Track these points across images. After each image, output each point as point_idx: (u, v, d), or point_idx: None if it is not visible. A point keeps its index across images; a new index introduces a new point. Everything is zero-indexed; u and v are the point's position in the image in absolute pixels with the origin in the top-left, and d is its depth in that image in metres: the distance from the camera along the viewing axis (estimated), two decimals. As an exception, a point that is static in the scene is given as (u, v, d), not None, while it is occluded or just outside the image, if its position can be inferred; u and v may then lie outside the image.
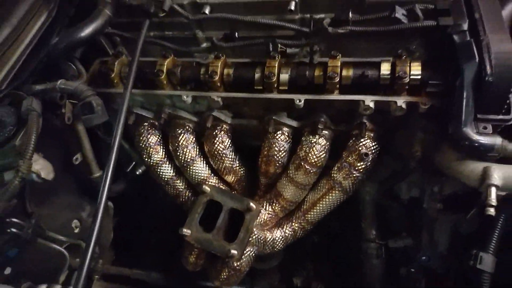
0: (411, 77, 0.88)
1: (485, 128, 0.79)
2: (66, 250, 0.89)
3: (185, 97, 1.01)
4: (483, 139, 0.76)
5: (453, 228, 1.02)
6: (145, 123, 1.12)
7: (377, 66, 0.91)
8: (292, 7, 0.98)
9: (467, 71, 0.79)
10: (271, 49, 1.00)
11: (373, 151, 0.95)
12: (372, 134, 0.96)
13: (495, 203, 0.75)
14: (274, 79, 0.95)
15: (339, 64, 0.92)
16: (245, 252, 1.00)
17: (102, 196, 0.75)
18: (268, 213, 1.06)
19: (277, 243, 1.06)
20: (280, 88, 0.97)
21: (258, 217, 1.03)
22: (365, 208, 1.11)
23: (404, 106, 0.88)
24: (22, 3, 0.86)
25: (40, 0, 0.89)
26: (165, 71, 1.03)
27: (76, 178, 1.12)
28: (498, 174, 0.75)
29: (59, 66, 0.93)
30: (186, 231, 0.95)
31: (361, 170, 0.96)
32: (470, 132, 0.77)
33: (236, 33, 1.06)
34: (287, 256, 1.28)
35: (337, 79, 0.91)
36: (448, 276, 1.03)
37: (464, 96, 0.78)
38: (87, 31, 0.89)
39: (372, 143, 0.95)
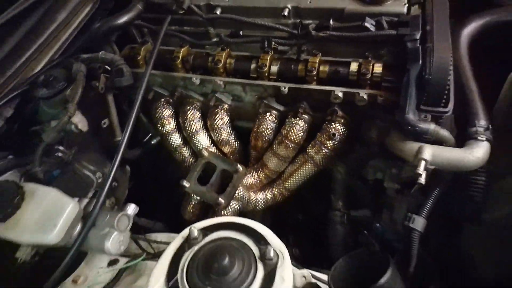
0: (373, 74, 1.09)
1: (425, 117, 0.99)
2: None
3: (194, 79, 1.25)
4: (420, 124, 0.96)
5: (409, 209, 1.21)
6: (162, 99, 1.36)
7: (348, 64, 1.13)
8: (286, 13, 1.20)
9: (412, 71, 0.99)
10: (266, 45, 1.22)
11: (341, 133, 1.16)
12: (342, 120, 1.17)
13: (424, 173, 0.94)
14: (266, 69, 1.17)
15: (317, 61, 1.13)
16: (231, 204, 1.22)
17: (119, 152, 0.98)
18: (254, 179, 1.28)
19: (259, 203, 1.28)
20: (270, 77, 1.19)
21: (246, 181, 1.26)
22: (336, 185, 1.31)
23: (365, 97, 1.09)
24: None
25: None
26: (180, 57, 1.27)
27: (102, 139, 1.36)
28: (428, 151, 0.95)
29: (100, 45, 1.18)
30: (185, 183, 1.18)
31: (329, 148, 1.16)
32: (411, 118, 0.97)
33: (240, 32, 1.30)
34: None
35: (315, 73, 1.13)
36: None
37: (408, 90, 0.99)
38: (123, 19, 1.14)
39: (340, 126, 1.16)
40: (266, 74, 1.19)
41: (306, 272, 0.88)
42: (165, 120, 1.35)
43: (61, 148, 0.95)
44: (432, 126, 0.96)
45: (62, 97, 0.97)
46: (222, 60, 1.22)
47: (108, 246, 0.83)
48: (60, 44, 1.09)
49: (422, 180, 0.95)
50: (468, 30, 1.20)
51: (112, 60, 1.07)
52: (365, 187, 1.30)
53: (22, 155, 0.95)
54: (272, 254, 0.75)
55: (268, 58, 1.18)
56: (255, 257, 0.76)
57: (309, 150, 1.20)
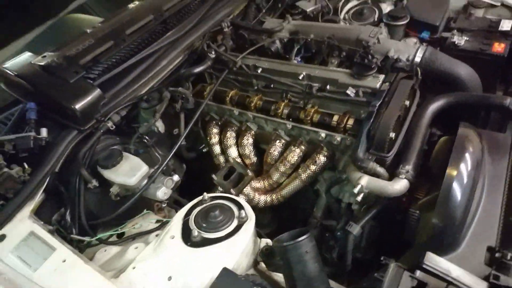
0: (346, 125, 1.58)
1: (370, 157, 1.45)
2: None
3: (235, 111, 1.86)
4: (364, 163, 1.42)
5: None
6: (213, 121, 1.99)
7: (332, 116, 1.63)
8: (301, 77, 1.77)
9: (364, 125, 1.46)
10: (284, 96, 1.80)
11: (322, 161, 1.65)
12: (324, 153, 1.66)
13: (359, 195, 1.39)
14: (280, 111, 1.73)
15: (312, 111, 1.66)
16: (239, 197, 1.76)
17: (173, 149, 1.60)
18: (261, 185, 1.81)
19: (260, 202, 1.79)
20: (282, 117, 1.75)
21: (254, 184, 1.80)
22: (319, 199, 1.78)
23: (338, 139, 1.57)
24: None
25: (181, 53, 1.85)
26: (229, 96, 1.90)
27: (172, 141, 2.04)
28: (365, 179, 1.40)
29: (181, 82, 1.87)
30: (215, 176, 1.76)
31: (312, 170, 1.66)
32: (360, 157, 1.43)
33: (272, 85, 1.89)
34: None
35: (309, 118, 1.65)
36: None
37: (361, 138, 1.45)
38: (197, 69, 1.81)
39: (322, 157, 1.65)
40: (280, 114, 1.75)
41: (268, 240, 1.38)
42: (212, 135, 1.98)
43: (147, 138, 1.61)
44: (370, 164, 1.41)
45: (153, 109, 1.64)
46: (254, 101, 1.81)
47: (158, 194, 1.44)
48: (159, 78, 1.79)
49: (358, 200, 1.41)
50: (433, 105, 1.61)
51: (185, 93, 1.73)
52: (336, 204, 1.74)
53: (126, 138, 1.63)
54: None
55: (283, 104, 1.74)
56: (234, 215, 1.30)
57: (299, 170, 1.71)
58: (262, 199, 1.80)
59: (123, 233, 1.60)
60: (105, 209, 1.53)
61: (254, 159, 1.88)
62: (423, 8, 2.05)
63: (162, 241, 1.27)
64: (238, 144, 1.89)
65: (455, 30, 1.88)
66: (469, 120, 1.54)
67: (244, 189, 1.76)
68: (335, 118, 1.61)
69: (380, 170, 1.41)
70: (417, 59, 1.72)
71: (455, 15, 2.14)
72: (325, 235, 1.66)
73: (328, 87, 1.69)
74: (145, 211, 1.77)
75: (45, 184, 1.40)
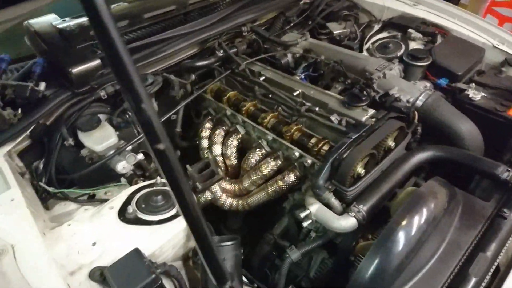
0: (321, 149, 1.52)
1: (330, 187, 1.38)
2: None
3: (227, 111, 1.88)
4: (320, 190, 1.36)
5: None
6: (210, 116, 2.03)
7: (311, 138, 1.58)
8: (295, 94, 1.74)
9: (332, 153, 1.40)
10: (275, 108, 1.78)
11: (290, 180, 1.61)
12: (296, 172, 1.62)
13: (306, 221, 1.34)
14: (266, 121, 1.72)
15: (294, 128, 1.62)
16: (206, 194, 1.77)
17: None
18: (231, 187, 1.81)
19: (225, 204, 1.78)
20: (268, 126, 1.73)
21: (225, 186, 1.79)
22: (281, 218, 1.72)
23: (309, 161, 1.52)
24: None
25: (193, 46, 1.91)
26: (227, 96, 1.92)
27: (169, 126, 2.11)
28: (315, 206, 1.34)
29: (183, 73, 1.94)
30: (189, 167, 1.79)
31: (279, 186, 1.62)
32: (319, 183, 1.37)
33: (270, 95, 1.88)
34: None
35: (289, 134, 1.62)
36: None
37: (325, 166, 1.39)
38: (200, 63, 1.86)
39: (292, 176, 1.61)
40: (265, 124, 1.73)
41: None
42: (204, 129, 2.01)
43: (129, 114, 1.69)
44: (326, 193, 1.35)
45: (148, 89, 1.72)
46: (247, 106, 1.81)
47: (117, 166, 1.50)
48: (164, 65, 1.87)
49: (305, 224, 1.35)
50: (420, 155, 1.50)
51: (173, 80, 1.78)
52: (296, 226, 1.68)
53: (115, 111, 1.73)
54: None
55: (270, 115, 1.72)
56: (175, 205, 1.31)
57: (268, 183, 1.68)
58: (228, 201, 1.79)
59: (94, 196, 1.69)
60: (77, 168, 1.62)
61: (235, 161, 1.88)
62: (450, 55, 1.92)
63: (101, 209, 1.32)
64: (223, 143, 1.91)
65: (473, 84, 1.73)
66: (461, 182, 1.42)
67: (213, 188, 1.77)
68: (313, 140, 1.56)
69: (335, 202, 1.34)
70: (419, 102, 1.62)
71: (487, 69, 1.98)
72: (273, 253, 1.61)
73: (317, 109, 1.65)
74: (122, 181, 1.86)
75: (29, 131, 1.53)
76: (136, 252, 1.10)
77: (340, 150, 1.39)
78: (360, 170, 1.37)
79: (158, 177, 1.41)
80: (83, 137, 1.49)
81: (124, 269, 1.05)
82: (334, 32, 2.22)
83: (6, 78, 1.64)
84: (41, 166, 1.59)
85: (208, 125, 2.01)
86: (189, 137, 2.14)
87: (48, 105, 1.56)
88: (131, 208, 1.27)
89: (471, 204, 1.34)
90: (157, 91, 1.87)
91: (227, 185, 1.81)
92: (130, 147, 1.58)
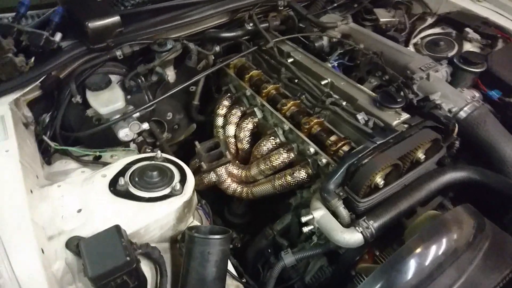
0: (339, 150, 1.36)
1: (340, 194, 1.23)
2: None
3: (247, 91, 1.74)
4: (330, 195, 1.22)
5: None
6: (229, 93, 1.90)
7: (330, 135, 1.42)
8: (323, 83, 1.58)
9: (350, 157, 1.24)
10: (299, 95, 1.62)
11: (300, 177, 1.47)
12: (308, 170, 1.47)
13: (307, 226, 1.21)
14: (285, 108, 1.56)
15: (314, 121, 1.46)
16: (211, 174, 1.67)
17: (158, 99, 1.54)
18: (237, 172, 1.69)
19: (229, 189, 1.68)
20: (286, 114, 1.58)
21: (231, 169, 1.68)
22: (284, 215, 1.60)
23: (324, 161, 1.37)
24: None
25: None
26: (249, 74, 1.77)
27: (186, 97, 2.00)
28: (319, 212, 1.20)
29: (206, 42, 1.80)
30: (198, 144, 1.69)
31: (287, 181, 1.49)
32: (328, 187, 1.23)
33: (296, 80, 1.72)
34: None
35: (307, 127, 1.46)
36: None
37: (339, 169, 1.24)
38: (225, 34, 1.72)
39: (303, 173, 1.47)
40: (284, 112, 1.58)
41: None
42: (221, 106, 1.88)
43: (142, 78, 1.59)
44: (334, 200, 1.20)
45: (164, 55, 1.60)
46: (268, 89, 1.66)
47: (119, 132, 1.42)
48: (188, 32, 1.74)
49: (305, 229, 1.23)
50: (452, 174, 1.31)
51: (192, 49, 1.64)
52: (298, 226, 1.55)
53: (128, 72, 1.63)
54: (178, 188, 1.19)
55: (291, 103, 1.57)
56: (170, 184, 1.21)
57: (276, 175, 1.55)
58: (233, 187, 1.69)
59: (100, 157, 1.63)
60: (83, 128, 1.56)
61: (247, 146, 1.76)
62: (509, 64, 1.66)
63: (94, 176, 1.25)
64: (238, 125, 1.78)
65: (532, 102, 1.49)
66: (495, 213, 1.23)
67: (219, 170, 1.67)
68: (333, 138, 1.41)
69: (343, 211, 1.20)
70: (462, 114, 1.41)
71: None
72: (268, 250, 1.51)
73: (344, 103, 1.47)
74: (131, 147, 1.79)
75: (40, 81, 1.47)
76: (116, 230, 1.02)
77: (361, 155, 1.23)
78: (379, 180, 1.21)
79: (159, 151, 1.32)
80: (90, 96, 1.41)
81: (99, 245, 0.98)
82: (381, 20, 1.99)
83: (25, 24, 1.58)
84: (47, 119, 1.55)
85: (226, 102, 1.89)
86: (207, 112, 2.04)
87: (61, 58, 1.49)
88: (123, 180, 1.19)
89: (501, 242, 1.15)
90: (178, 59, 1.76)
91: (234, 170, 1.70)
92: (137, 114, 1.49)
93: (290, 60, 1.74)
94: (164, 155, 1.35)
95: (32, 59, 1.49)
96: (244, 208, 1.96)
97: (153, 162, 1.29)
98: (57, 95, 1.55)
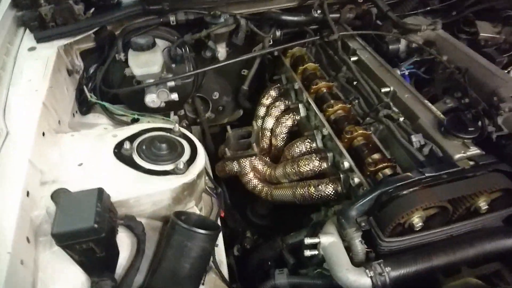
0: (378, 171, 1.12)
1: (363, 225, 1.00)
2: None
3: (296, 84, 1.56)
4: (348, 224, 0.99)
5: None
6: (278, 84, 1.74)
7: (373, 153, 1.18)
8: (384, 91, 1.33)
9: (384, 184, 1.00)
10: (351, 100, 1.39)
11: (326, 193, 1.26)
12: (337, 187, 1.26)
13: (309, 250, 1.01)
14: (330, 111, 1.35)
15: (357, 133, 1.22)
16: (233, 163, 1.54)
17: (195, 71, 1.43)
18: (262, 169, 1.52)
19: (248, 184, 1.52)
20: (328, 117, 1.37)
21: (256, 164, 1.52)
22: (301, 229, 1.40)
23: (356, 181, 1.14)
24: None
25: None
26: (304, 67, 1.58)
27: (236, 80, 1.90)
28: (328, 239, 1.00)
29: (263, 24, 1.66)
30: (229, 130, 1.57)
31: (310, 192, 1.29)
32: (349, 213, 1.00)
33: (355, 82, 1.49)
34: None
35: (348, 137, 1.24)
36: None
37: (367, 195, 1.00)
38: (286, 17, 1.55)
39: (330, 188, 1.26)
40: (327, 114, 1.37)
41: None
42: (267, 96, 1.73)
43: (186, 48, 1.51)
44: (351, 230, 0.98)
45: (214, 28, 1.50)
46: (318, 86, 1.46)
47: (146, 98, 1.36)
48: (252, 9, 1.62)
49: (307, 253, 1.03)
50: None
51: (241, 26, 1.51)
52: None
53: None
54: (181, 167, 1.08)
55: (339, 106, 1.35)
56: (175, 161, 1.11)
57: (300, 183, 1.35)
58: (253, 182, 1.54)
59: (138, 120, 1.62)
60: (123, 86, 1.54)
61: (281, 143, 1.59)
62: None
63: (106, 134, 1.20)
64: (277, 119, 1.62)
65: None
66: None
67: (243, 161, 1.52)
68: (375, 156, 1.17)
69: (357, 246, 0.98)
70: (559, 168, 1.05)
71: None
72: (268, 263, 1.33)
73: (401, 119, 1.22)
74: (171, 117, 1.75)
75: (93, 31, 1.49)
76: (97, 193, 0.94)
77: (400, 183, 0.99)
78: (416, 220, 0.96)
79: (177, 125, 1.23)
80: (130, 55, 1.37)
81: (75, 204, 0.91)
82: (481, 34, 1.63)
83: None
84: (90, 70, 1.57)
85: (273, 93, 1.73)
86: (255, 99, 1.90)
87: (117, 13, 1.48)
88: (128, 145, 1.11)
89: None
90: (232, 35, 1.64)
91: (259, 165, 1.54)
92: (172, 84, 1.41)
93: (353, 58, 1.51)
94: (183, 130, 1.25)
95: (91, 10, 1.52)
96: (268, 209, 1.80)
97: (166, 134, 1.20)
98: (107, 50, 1.56)
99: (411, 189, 0.98)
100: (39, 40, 1.43)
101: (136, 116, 1.62)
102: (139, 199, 1.07)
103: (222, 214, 1.48)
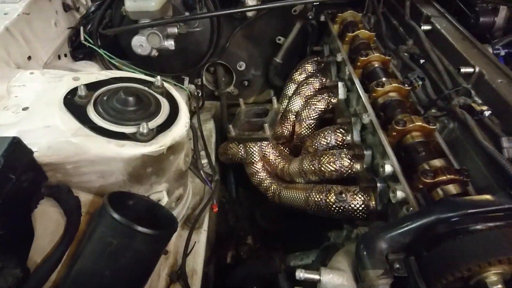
0: (439, 186, 0.70)
1: (396, 266, 0.61)
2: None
3: (339, 57, 1.16)
4: (369, 258, 0.61)
5: None
6: (318, 58, 1.35)
7: (432, 158, 0.76)
8: (464, 70, 0.89)
9: (426, 213, 0.59)
10: (414, 81, 0.97)
11: (349, 206, 0.87)
12: (372, 201, 0.86)
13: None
14: (378, 91, 0.94)
15: (415, 124, 0.81)
16: (239, 146, 1.19)
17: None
18: (274, 161, 1.16)
19: (254, 176, 1.17)
20: (373, 101, 0.96)
21: (268, 153, 1.17)
22: (308, 252, 1.02)
23: (400, 196, 0.74)
24: None
25: None
26: (355, 33, 1.18)
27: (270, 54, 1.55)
28: (335, 279, 0.61)
29: None
30: (241, 103, 1.23)
31: (329, 202, 0.90)
32: (377, 247, 0.62)
33: (422, 60, 1.06)
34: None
35: (398, 130, 0.82)
36: None
37: (404, 226, 0.61)
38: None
39: (359, 201, 0.86)
40: (374, 96, 0.96)
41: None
42: (301, 71, 1.36)
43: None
44: (374, 273, 0.59)
45: None
46: (367, 58, 1.06)
47: (132, 42, 1.06)
48: None
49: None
50: None
51: None
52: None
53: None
54: (145, 132, 0.77)
55: (393, 85, 0.93)
56: (143, 122, 0.78)
57: (318, 186, 0.97)
58: (261, 176, 1.18)
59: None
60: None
61: (306, 131, 1.20)
62: None
63: (66, 76, 0.92)
64: (307, 100, 1.23)
65: None
66: None
67: (251, 146, 1.17)
68: (435, 162, 0.75)
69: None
70: None
71: None
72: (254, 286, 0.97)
73: (487, 113, 0.78)
74: (184, 85, 1.47)
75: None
76: (8, 144, 0.66)
77: (473, 211, 0.57)
78: (493, 279, 0.55)
79: (159, 77, 0.91)
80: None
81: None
82: None
83: None
84: (91, 9, 1.31)
85: (309, 67, 1.35)
86: (287, 76, 1.53)
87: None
88: (84, 92, 0.82)
89: None
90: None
91: (271, 155, 1.18)
92: (174, 31, 1.10)
93: (426, 27, 1.07)
94: (168, 86, 0.93)
95: None
96: (278, 215, 1.43)
97: (139, 87, 0.89)
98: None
99: (492, 224, 0.57)
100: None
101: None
102: (79, 165, 0.77)
103: (215, 209, 1.16)
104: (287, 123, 1.26)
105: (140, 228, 0.62)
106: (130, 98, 0.82)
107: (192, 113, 1.47)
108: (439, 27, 1.06)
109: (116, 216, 0.61)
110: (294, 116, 1.25)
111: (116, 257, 0.62)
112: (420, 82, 0.96)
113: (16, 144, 0.67)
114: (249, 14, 1.35)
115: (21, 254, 0.72)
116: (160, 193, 0.90)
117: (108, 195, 0.68)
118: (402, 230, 0.61)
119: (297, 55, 1.56)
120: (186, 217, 1.10)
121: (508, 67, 1.05)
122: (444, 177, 0.71)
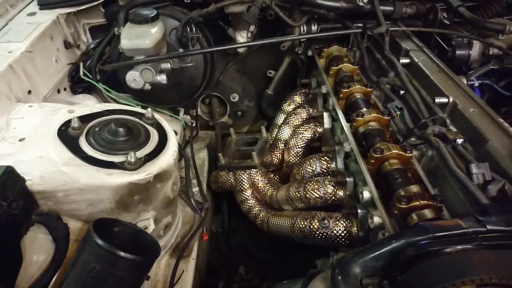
0: (414, 211, 0.73)
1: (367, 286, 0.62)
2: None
3: (324, 88, 1.22)
4: (343, 281, 0.62)
5: None
6: (306, 89, 1.42)
7: (409, 184, 0.79)
8: (438, 101, 0.94)
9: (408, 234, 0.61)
10: (392, 111, 1.01)
11: (331, 232, 0.89)
12: (352, 227, 0.88)
13: None
14: (358, 121, 0.99)
15: (392, 152, 0.85)
16: (229, 175, 1.23)
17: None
18: (263, 188, 1.20)
19: (244, 203, 1.20)
20: (359, 130, 1.00)
21: (257, 181, 1.20)
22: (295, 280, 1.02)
23: (377, 221, 0.76)
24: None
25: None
26: (339, 67, 1.24)
27: (259, 82, 1.62)
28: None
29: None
30: (232, 133, 1.27)
31: (312, 229, 0.92)
32: (350, 271, 0.64)
33: (402, 92, 1.11)
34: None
35: (376, 158, 0.86)
36: None
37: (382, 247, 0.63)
38: (328, 3, 1.24)
39: (341, 227, 0.88)
40: (355, 126, 1.00)
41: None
42: (290, 102, 1.41)
43: (194, 28, 1.25)
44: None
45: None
46: (349, 90, 1.11)
47: (126, 77, 1.12)
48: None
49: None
50: None
51: (256, 1, 1.19)
52: None
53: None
54: (133, 161, 0.81)
55: (373, 115, 0.98)
56: (131, 153, 0.83)
57: (302, 213, 0.99)
58: (250, 203, 1.20)
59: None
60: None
61: (294, 158, 1.24)
62: None
63: (62, 109, 0.98)
64: (295, 129, 1.28)
65: None
66: None
67: (240, 174, 1.21)
68: (412, 188, 0.78)
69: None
70: None
71: None
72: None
73: (460, 141, 0.82)
74: (180, 116, 1.53)
75: (97, 2, 1.35)
76: (5, 171, 0.70)
77: (443, 234, 0.60)
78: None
79: (149, 109, 0.96)
80: (126, 27, 1.16)
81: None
82: None
83: None
84: (91, 46, 1.40)
85: (297, 98, 1.41)
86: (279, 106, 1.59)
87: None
88: (77, 124, 0.87)
89: None
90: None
91: (260, 182, 1.21)
92: (168, 66, 1.17)
93: (404, 60, 1.14)
94: (158, 117, 0.99)
95: (102, -18, 1.37)
96: (273, 246, 1.44)
97: (134, 119, 0.94)
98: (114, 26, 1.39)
99: (460, 247, 0.59)
100: (42, 6, 1.31)
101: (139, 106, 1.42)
102: (68, 193, 0.81)
103: (205, 238, 1.17)
104: (277, 151, 1.30)
105: (121, 254, 0.64)
106: (121, 129, 0.87)
107: (186, 143, 1.54)
108: (416, 60, 1.12)
109: (99, 241, 0.64)
110: (283, 145, 1.30)
111: (99, 283, 0.64)
112: (399, 112, 1.01)
113: (9, 173, 0.72)
114: (241, 50, 1.44)
115: (8, 279, 0.74)
116: (147, 221, 0.93)
117: (94, 221, 0.71)
118: (374, 254, 0.63)
119: (287, 87, 1.63)
120: (175, 246, 1.12)
121: (484, 97, 1.10)
122: (418, 203, 0.74)
